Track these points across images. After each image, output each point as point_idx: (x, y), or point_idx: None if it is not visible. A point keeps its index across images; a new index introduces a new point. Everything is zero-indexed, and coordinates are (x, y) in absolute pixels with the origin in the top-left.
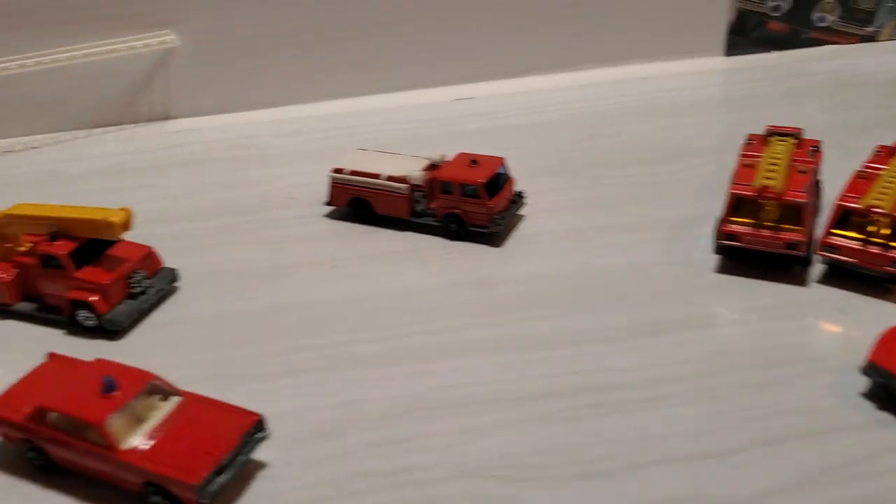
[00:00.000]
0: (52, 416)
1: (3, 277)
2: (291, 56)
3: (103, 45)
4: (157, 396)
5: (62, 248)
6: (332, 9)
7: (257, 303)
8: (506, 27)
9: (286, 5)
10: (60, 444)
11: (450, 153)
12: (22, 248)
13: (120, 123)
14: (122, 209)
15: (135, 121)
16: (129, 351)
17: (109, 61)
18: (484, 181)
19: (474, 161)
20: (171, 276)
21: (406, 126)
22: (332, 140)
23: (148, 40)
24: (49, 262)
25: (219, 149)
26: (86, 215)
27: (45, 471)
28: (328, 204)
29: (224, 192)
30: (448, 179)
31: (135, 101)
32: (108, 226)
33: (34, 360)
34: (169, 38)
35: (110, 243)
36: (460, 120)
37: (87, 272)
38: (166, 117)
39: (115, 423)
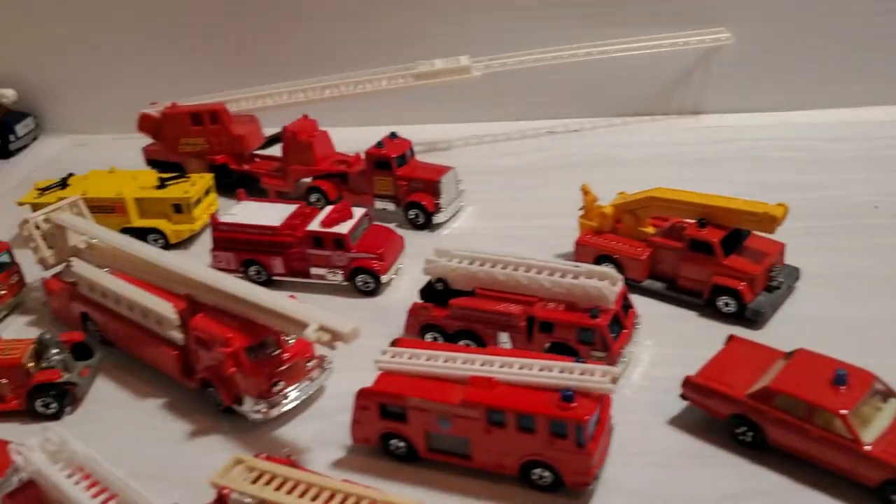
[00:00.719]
0: (781, 398)
1: (640, 254)
2: (845, 59)
3: (663, 39)
4: (878, 397)
5: (714, 236)
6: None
7: (886, 313)
8: None
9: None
10: (787, 426)
11: None
12: (647, 230)
13: (652, 114)
14: (780, 204)
15: (665, 112)
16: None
17: (659, 54)
18: None
19: None
20: (796, 274)
21: None
22: (886, 150)
23: (702, 36)
24: (699, 247)
25: (766, 148)
26: (741, 206)
27: (753, 447)
28: None
29: (793, 193)
30: None
31: (671, 94)
32: (770, 220)
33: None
34: (724, 35)
35: (747, 235)
36: None
37: (734, 261)
38: (695, 112)
39: (854, 416)
